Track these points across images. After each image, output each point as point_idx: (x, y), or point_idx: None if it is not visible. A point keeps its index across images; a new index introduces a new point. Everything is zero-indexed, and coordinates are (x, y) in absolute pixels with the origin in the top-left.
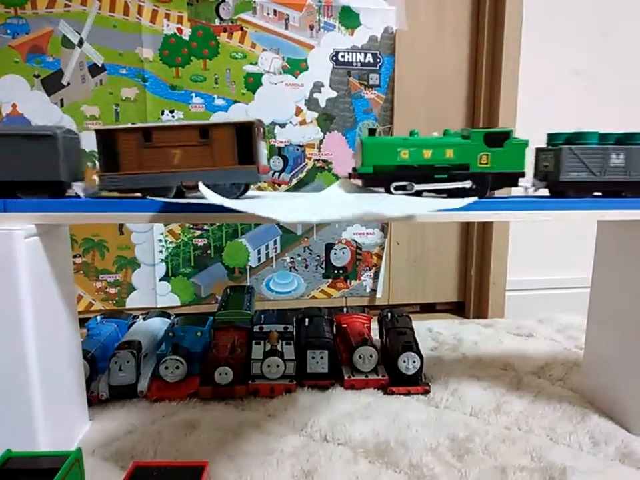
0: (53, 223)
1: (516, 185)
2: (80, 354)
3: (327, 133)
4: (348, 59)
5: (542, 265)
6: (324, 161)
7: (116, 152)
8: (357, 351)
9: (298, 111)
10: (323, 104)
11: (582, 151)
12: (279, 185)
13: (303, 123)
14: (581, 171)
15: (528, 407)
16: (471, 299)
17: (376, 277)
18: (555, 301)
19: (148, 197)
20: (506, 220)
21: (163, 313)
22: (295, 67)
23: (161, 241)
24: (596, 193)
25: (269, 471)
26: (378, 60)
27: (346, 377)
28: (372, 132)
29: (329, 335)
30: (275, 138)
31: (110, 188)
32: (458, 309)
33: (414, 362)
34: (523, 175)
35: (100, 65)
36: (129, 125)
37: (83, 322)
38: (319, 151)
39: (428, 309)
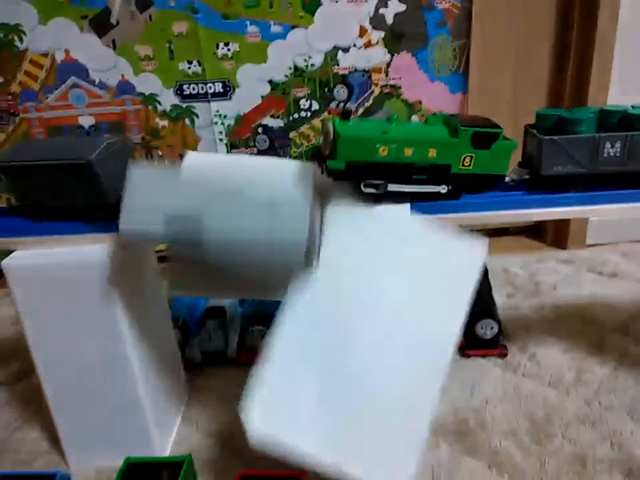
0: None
1: (492, 188)
2: (173, 340)
3: (395, 54)
4: None
5: None
6: (392, 86)
7: None
8: None
9: (362, 32)
10: (389, 20)
11: (568, 142)
12: None
13: (368, 45)
14: (566, 164)
15: (609, 377)
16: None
17: None
18: None
19: None
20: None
21: None
22: None
23: None
24: None
25: None
26: None
27: None
28: (346, 115)
29: None
30: (338, 65)
31: None
32: (535, 233)
33: (492, 328)
34: (502, 178)
35: None
36: None
37: None
38: (387, 75)
39: (501, 232)
